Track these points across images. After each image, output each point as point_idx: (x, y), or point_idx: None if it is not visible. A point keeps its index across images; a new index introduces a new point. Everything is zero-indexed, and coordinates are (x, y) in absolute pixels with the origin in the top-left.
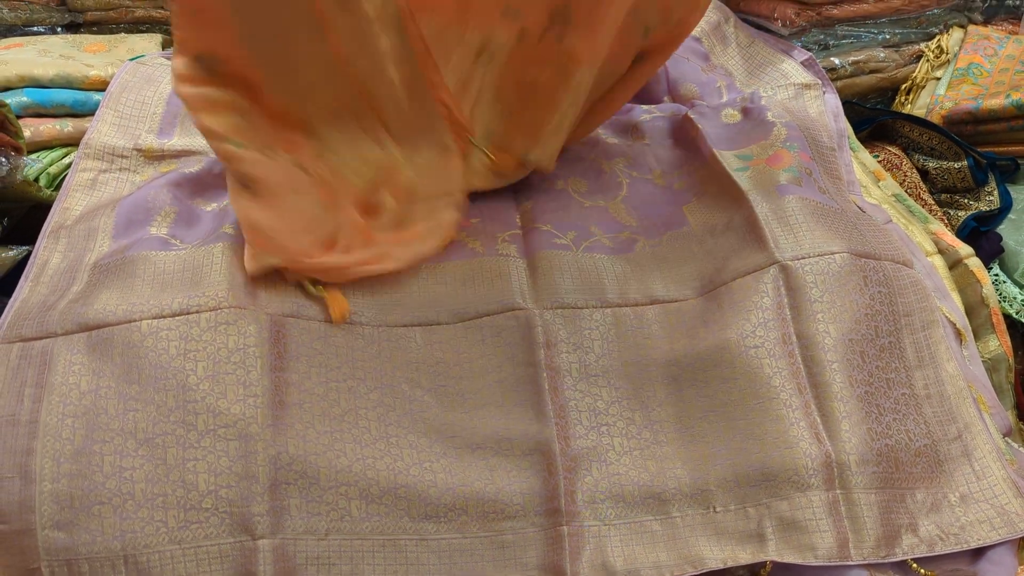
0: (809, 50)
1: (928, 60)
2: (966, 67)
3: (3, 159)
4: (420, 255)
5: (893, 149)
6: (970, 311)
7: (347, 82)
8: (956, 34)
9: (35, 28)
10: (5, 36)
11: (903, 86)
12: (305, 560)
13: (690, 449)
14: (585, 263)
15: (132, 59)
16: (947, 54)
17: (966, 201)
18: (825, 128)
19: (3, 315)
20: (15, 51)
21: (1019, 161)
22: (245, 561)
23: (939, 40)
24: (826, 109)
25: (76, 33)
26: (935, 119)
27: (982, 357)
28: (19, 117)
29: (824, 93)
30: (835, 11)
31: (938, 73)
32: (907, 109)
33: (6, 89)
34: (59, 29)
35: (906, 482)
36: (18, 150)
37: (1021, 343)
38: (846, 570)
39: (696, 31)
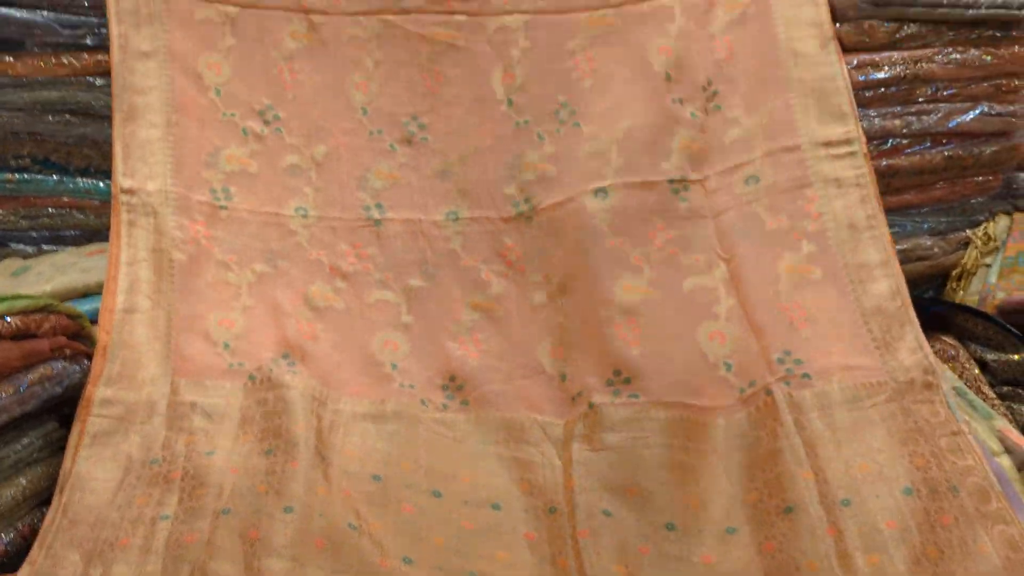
0: None
1: (976, 247)
2: (1015, 256)
3: (77, 367)
4: None
5: (949, 339)
6: None
7: None
8: (1003, 221)
9: None
10: (91, 240)
11: (953, 272)
12: None
13: None
14: None
15: None
16: (995, 241)
17: None
18: None
19: None
20: (98, 257)
21: None
22: None
23: (986, 227)
24: None
25: None
26: (988, 309)
27: None
28: (94, 322)
29: None
30: None
31: (987, 260)
32: (959, 296)
33: (85, 295)
34: None
35: None
36: (91, 358)
37: None
38: None
39: None
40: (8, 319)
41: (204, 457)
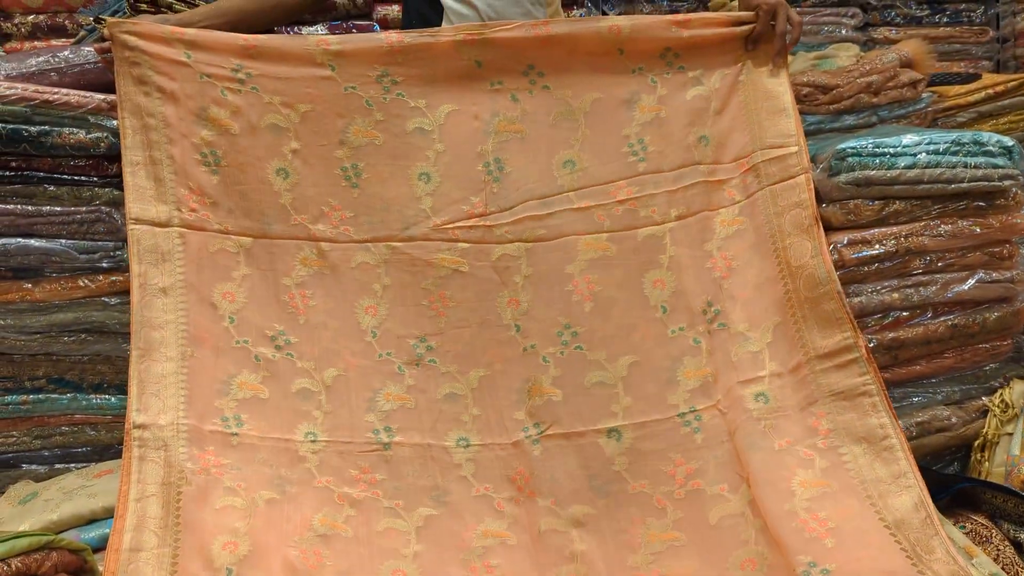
0: None
1: (995, 416)
2: None
3: None
4: None
5: (979, 518)
6: None
7: None
8: (1018, 387)
9: None
10: (102, 455)
11: (976, 443)
12: None
13: None
14: None
15: None
16: (1013, 408)
17: None
18: None
19: None
20: (105, 480)
21: None
22: None
23: (1002, 394)
24: None
25: None
26: (1015, 483)
27: None
28: (99, 549)
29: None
30: (887, 375)
31: (1008, 428)
32: (985, 468)
33: (92, 521)
34: None
35: None
36: None
37: None
38: None
39: None
40: (8, 562)
41: None
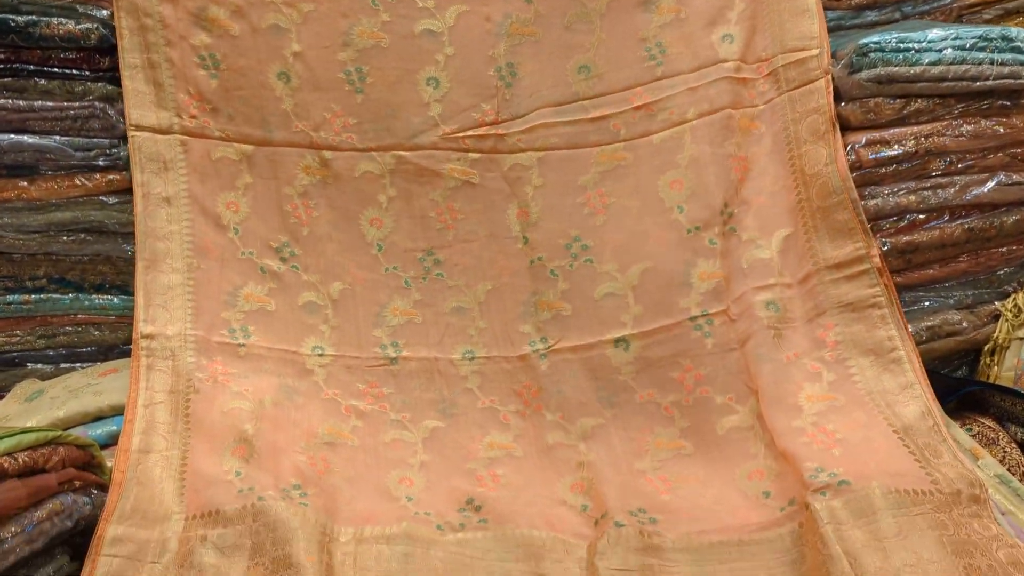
0: None
1: (1007, 320)
2: None
3: (87, 499)
4: None
5: (987, 421)
6: None
7: None
8: None
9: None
10: (107, 355)
11: (986, 347)
12: None
13: None
14: None
15: None
16: None
17: None
18: None
19: None
20: (110, 378)
21: None
22: None
23: (1015, 299)
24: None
25: None
26: None
27: None
28: (108, 446)
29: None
30: (899, 279)
31: (1020, 333)
32: (994, 372)
33: (98, 418)
34: None
35: None
36: (102, 487)
37: None
38: None
39: None
40: (15, 456)
41: None
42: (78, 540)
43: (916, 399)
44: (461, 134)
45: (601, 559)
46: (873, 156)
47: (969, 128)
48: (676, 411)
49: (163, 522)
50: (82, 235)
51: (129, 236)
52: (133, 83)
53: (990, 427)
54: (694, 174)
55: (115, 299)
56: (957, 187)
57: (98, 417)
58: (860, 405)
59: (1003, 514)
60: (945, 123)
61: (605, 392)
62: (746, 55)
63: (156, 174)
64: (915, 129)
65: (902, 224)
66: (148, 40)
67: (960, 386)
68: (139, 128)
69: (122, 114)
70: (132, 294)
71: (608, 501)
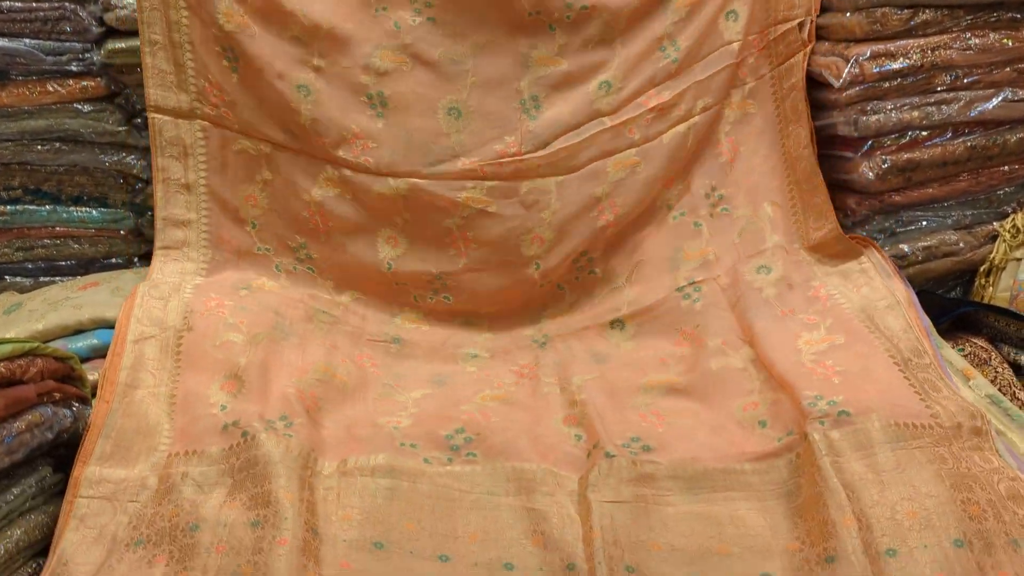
0: (875, 239)
1: (1005, 240)
2: None
3: (68, 411)
4: None
5: (979, 341)
6: None
7: None
8: None
9: (114, 259)
10: (87, 269)
11: (981, 268)
12: None
13: None
14: None
15: None
16: None
17: None
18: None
19: None
20: (91, 291)
21: None
22: None
23: (1014, 219)
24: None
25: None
26: (1021, 307)
27: None
28: (88, 359)
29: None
30: (897, 198)
31: (1017, 254)
32: (989, 293)
33: (78, 332)
34: (136, 260)
35: None
36: (83, 400)
37: None
38: None
39: None
40: None
41: (189, 535)
42: (61, 452)
43: (914, 341)
44: (480, 164)
45: (593, 491)
46: (877, 70)
47: (977, 41)
48: (671, 360)
49: (144, 460)
50: (57, 144)
51: (106, 147)
52: (154, 59)
53: (983, 347)
54: (683, 168)
55: (94, 212)
56: (962, 103)
57: (78, 331)
58: (861, 339)
59: (997, 434)
60: (953, 35)
61: (602, 356)
62: (748, 29)
63: (176, 159)
64: (921, 42)
65: (904, 141)
66: (170, 18)
67: (954, 307)
68: (159, 110)
69: (94, 16)
70: (111, 207)
71: (601, 432)
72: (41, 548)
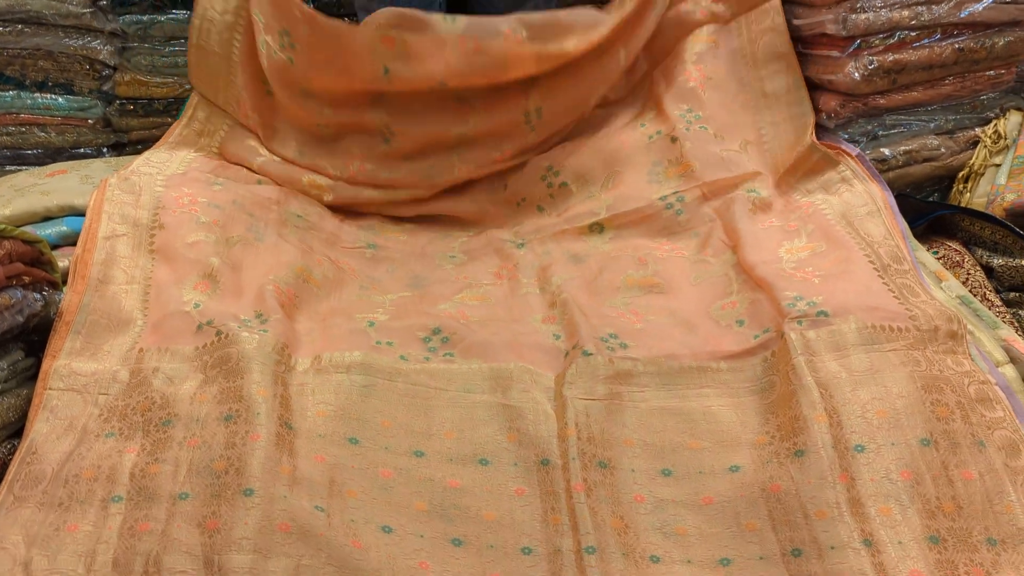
0: (857, 142)
1: (985, 146)
2: None
3: (38, 295)
4: None
5: (953, 244)
6: None
7: None
8: (1014, 118)
9: (82, 150)
10: (55, 158)
11: (960, 174)
12: None
13: None
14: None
15: None
16: (1005, 139)
17: None
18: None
19: None
20: (59, 179)
21: None
22: None
23: (996, 125)
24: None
25: (121, 154)
26: (997, 211)
27: None
28: (58, 247)
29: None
30: (882, 100)
31: (997, 160)
32: (966, 198)
33: (47, 219)
34: (105, 150)
35: None
36: (53, 285)
37: None
38: None
39: None
40: None
41: (161, 430)
42: (34, 338)
43: (895, 248)
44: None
45: (569, 388)
46: None
47: None
48: (650, 260)
49: (116, 354)
50: (19, 26)
51: (71, 30)
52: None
53: (956, 250)
54: (655, 104)
55: (60, 99)
56: (952, 3)
57: (46, 217)
58: (841, 245)
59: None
60: None
61: (582, 269)
62: None
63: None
64: None
65: (892, 42)
66: None
67: (930, 210)
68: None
69: None
70: (78, 94)
71: (580, 331)
72: (15, 430)
